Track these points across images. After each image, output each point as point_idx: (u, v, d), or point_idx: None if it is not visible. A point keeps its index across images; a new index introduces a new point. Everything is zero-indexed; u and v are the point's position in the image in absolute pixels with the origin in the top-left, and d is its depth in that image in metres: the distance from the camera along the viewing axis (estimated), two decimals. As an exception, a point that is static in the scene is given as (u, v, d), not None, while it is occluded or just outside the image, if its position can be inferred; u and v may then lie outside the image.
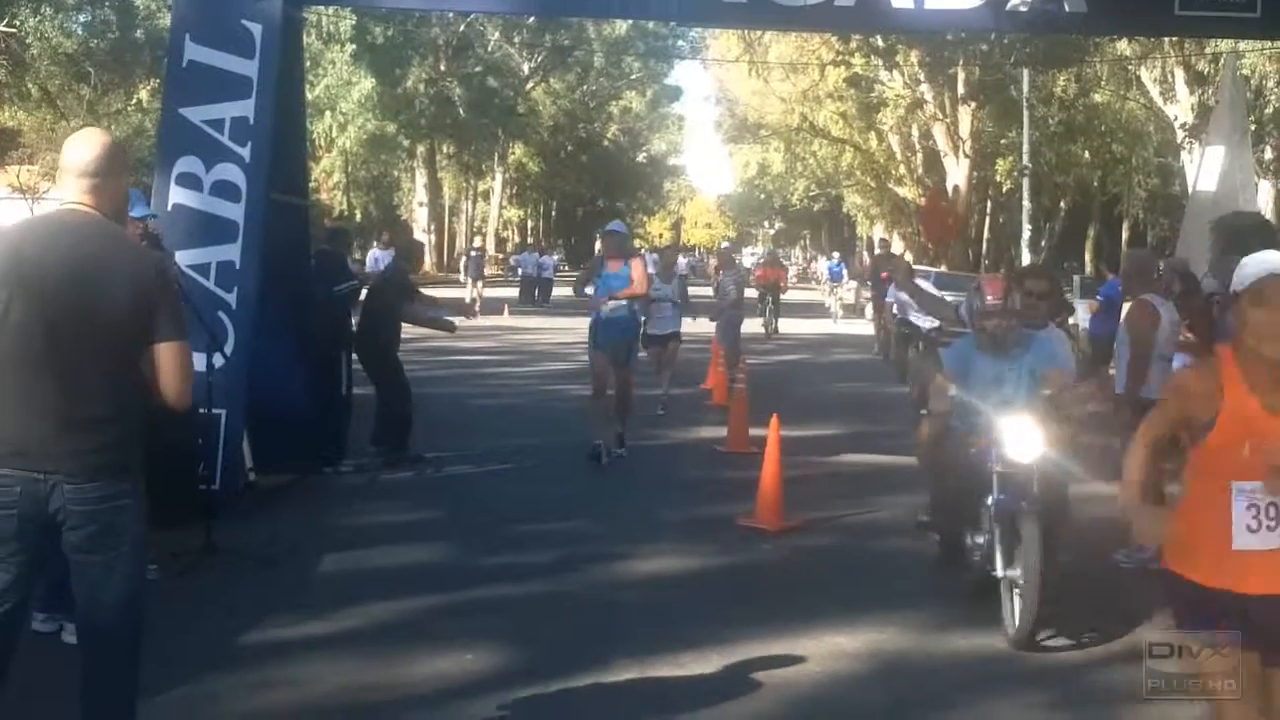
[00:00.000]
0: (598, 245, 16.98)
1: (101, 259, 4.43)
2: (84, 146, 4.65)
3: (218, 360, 8.94)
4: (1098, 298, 19.35)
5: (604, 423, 12.97)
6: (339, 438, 12.03)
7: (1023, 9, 10.89)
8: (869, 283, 30.80)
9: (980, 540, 7.61)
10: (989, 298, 7.71)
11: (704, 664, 6.69)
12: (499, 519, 10.07)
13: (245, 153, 10.18)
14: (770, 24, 22.00)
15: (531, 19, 51.16)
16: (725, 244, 37.54)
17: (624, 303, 12.80)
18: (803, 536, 9.80)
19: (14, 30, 32.59)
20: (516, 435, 14.32)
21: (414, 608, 7.66)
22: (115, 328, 4.38)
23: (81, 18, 41.14)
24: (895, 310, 18.33)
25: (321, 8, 32.43)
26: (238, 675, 6.36)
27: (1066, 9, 10.90)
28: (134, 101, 39.03)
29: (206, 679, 6.24)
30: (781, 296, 33.34)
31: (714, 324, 19.44)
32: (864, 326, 35.78)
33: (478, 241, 52.29)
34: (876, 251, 36.07)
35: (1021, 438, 7.24)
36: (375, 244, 33.42)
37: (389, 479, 11.67)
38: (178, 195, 10.13)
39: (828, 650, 6.97)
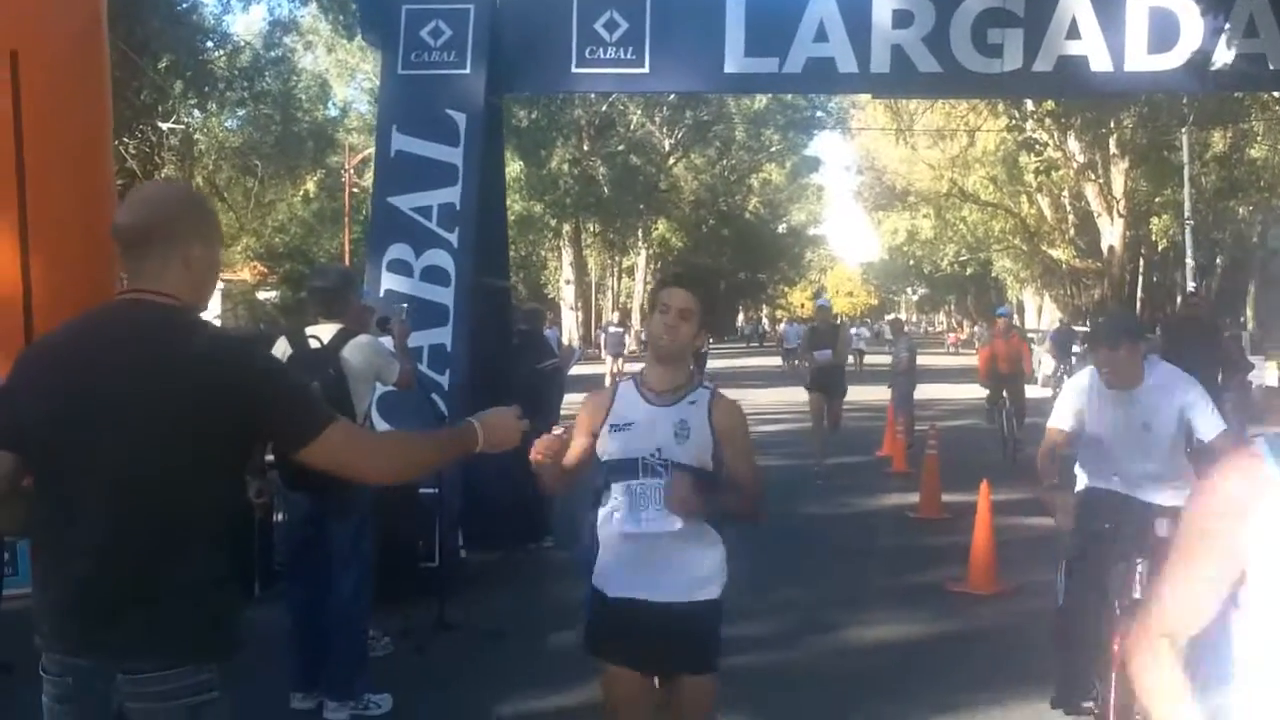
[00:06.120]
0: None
1: (154, 370, 2.98)
2: (132, 205, 3.18)
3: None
4: None
5: None
6: (540, 514, 12.16)
7: (1225, 69, 10.70)
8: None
9: None
10: None
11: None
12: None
13: (453, 238, 10.53)
14: (966, 92, 22.02)
15: (672, 96, 51.70)
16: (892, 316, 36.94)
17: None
18: (1018, 601, 9.64)
19: (183, 126, 33.92)
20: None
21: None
22: (178, 466, 2.95)
23: (240, 111, 42.59)
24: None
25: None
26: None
27: (1271, 67, 10.72)
28: (301, 194, 40.20)
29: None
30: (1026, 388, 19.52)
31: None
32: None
33: (616, 317, 52.58)
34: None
35: None
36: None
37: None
38: (389, 281, 10.50)
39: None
